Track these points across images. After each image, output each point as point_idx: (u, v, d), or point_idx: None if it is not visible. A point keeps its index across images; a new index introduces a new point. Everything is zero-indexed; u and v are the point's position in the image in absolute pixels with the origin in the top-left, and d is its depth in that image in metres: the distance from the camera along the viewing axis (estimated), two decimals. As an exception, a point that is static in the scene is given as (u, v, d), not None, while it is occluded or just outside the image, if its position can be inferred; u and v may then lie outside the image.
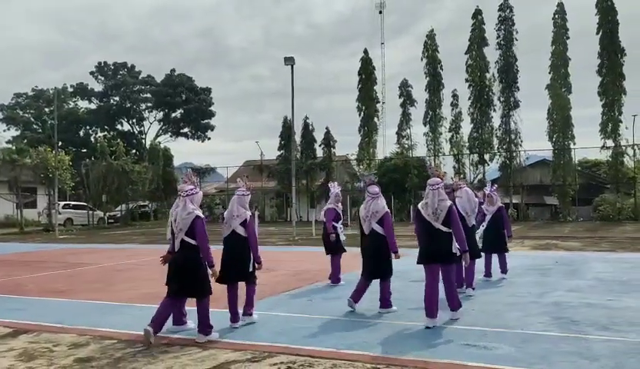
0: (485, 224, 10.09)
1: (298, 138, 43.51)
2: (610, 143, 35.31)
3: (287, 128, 43.49)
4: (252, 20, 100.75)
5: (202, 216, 6.14)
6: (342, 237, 10.13)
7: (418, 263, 6.98)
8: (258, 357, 5.45)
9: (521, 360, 5.12)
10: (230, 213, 6.79)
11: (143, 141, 63.19)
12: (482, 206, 10.14)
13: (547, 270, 11.46)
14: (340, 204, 10.33)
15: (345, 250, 10.21)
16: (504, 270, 10.49)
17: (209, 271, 6.13)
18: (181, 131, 64.24)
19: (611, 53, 34.66)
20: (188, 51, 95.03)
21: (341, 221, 10.31)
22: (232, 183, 41.21)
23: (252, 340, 6.09)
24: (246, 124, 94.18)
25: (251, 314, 6.90)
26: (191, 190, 6.24)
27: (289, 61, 22.96)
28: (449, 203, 6.90)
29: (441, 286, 6.81)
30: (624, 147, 35.36)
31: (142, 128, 64.82)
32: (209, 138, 64.44)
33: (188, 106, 61.58)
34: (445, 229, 6.74)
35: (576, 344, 5.70)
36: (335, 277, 10.08)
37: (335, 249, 10.13)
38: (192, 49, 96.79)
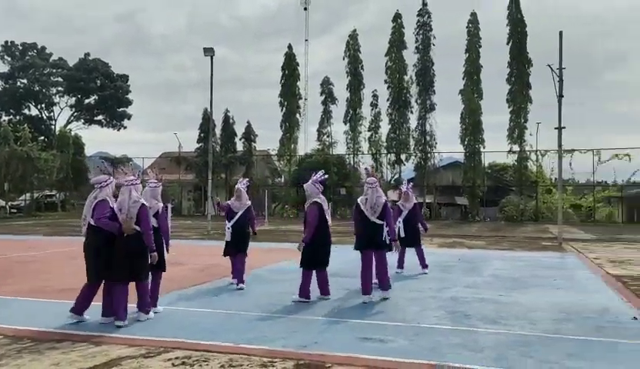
0: (400, 220, 10.44)
1: (218, 131, 42.89)
2: (516, 148, 37.52)
3: (207, 120, 42.57)
4: (176, 7, 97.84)
5: (147, 204, 6.62)
6: (227, 238, 9.51)
7: (355, 249, 8.15)
8: (152, 352, 5.32)
9: (412, 352, 5.33)
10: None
11: (52, 127, 59.78)
12: (399, 203, 10.55)
13: (449, 268, 12.00)
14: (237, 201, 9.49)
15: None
16: (424, 265, 10.89)
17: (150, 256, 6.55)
18: (95, 118, 61.35)
19: (519, 63, 36.80)
20: (106, 36, 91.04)
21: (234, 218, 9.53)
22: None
23: (149, 335, 5.94)
24: (167, 115, 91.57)
25: (147, 312, 6.73)
26: (134, 180, 6.67)
27: (209, 51, 22.57)
28: (384, 199, 7.96)
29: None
30: (528, 153, 37.68)
31: (52, 114, 61.30)
32: (125, 127, 62.03)
33: (102, 92, 58.84)
34: (379, 222, 7.84)
35: (465, 336, 6.01)
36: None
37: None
38: (110, 34, 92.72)
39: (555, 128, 18.93)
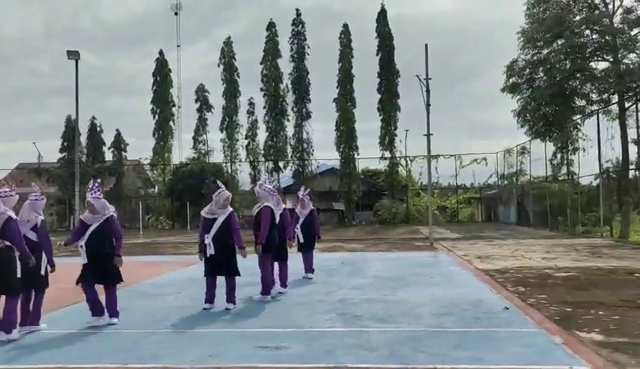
0: (298, 226, 10.45)
1: (84, 140, 40.14)
2: (387, 154, 39.42)
3: (70, 129, 39.82)
4: (30, 9, 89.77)
5: (15, 217, 6.24)
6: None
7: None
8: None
9: (309, 357, 5.31)
10: (21, 218, 6.58)
11: None
12: (296, 209, 10.58)
13: (333, 271, 12.23)
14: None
15: None
16: (310, 269, 10.95)
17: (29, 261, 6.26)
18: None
19: (388, 74, 38.77)
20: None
21: None
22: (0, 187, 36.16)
23: (27, 362, 5.33)
24: (20, 124, 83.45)
25: (38, 324, 6.74)
26: (7, 192, 6.29)
27: (73, 54, 21.09)
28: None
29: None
30: (398, 158, 39.79)
31: None
32: (-26, 136, 55.87)
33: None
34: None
35: (358, 337, 6.12)
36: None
37: None
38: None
39: (424, 135, 20.12)
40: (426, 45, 19.93)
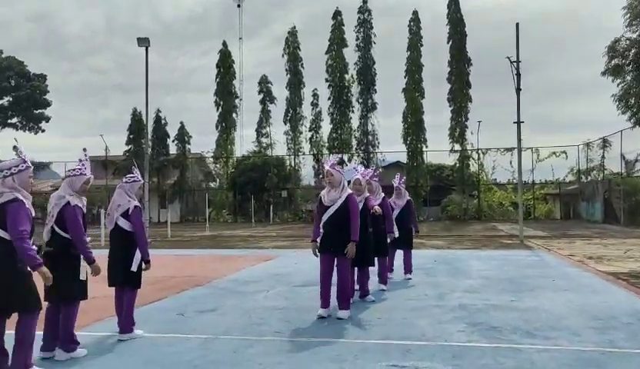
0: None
1: (149, 133, 40.33)
2: (457, 147, 37.53)
3: (137, 121, 40.19)
4: (93, 8, 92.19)
5: (75, 202, 4.86)
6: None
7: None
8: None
9: (470, 385, 4.08)
10: (113, 202, 5.69)
11: (-40, 130, 54.48)
12: (390, 200, 9.28)
13: (430, 270, 10.94)
14: None
15: None
16: (409, 270, 9.73)
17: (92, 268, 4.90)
18: (9, 121, 56.46)
19: (459, 62, 36.85)
20: (19, 37, 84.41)
21: None
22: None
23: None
24: (86, 119, 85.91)
25: (131, 330, 5.57)
26: (76, 170, 5.08)
27: (143, 42, 20.59)
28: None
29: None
30: (469, 151, 37.80)
31: (-41, 116, 55.86)
32: (43, 130, 57.31)
33: (17, 93, 54.22)
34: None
35: (513, 356, 4.85)
36: None
37: None
38: (22, 34, 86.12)
39: (514, 123, 18.47)
40: (517, 24, 18.24)
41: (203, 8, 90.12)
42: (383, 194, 8.60)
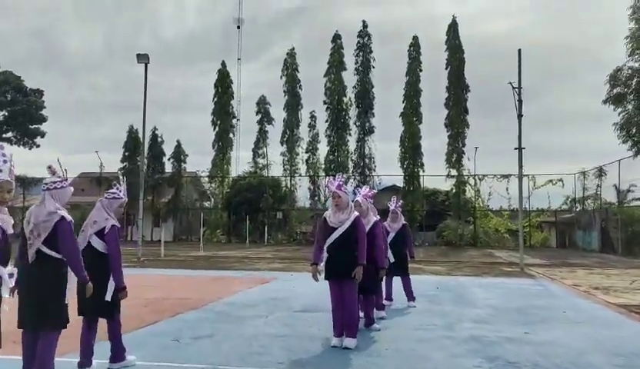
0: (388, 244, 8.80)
1: (145, 151, 39.99)
2: (454, 172, 37.38)
3: (133, 138, 39.94)
4: (92, 26, 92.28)
5: (69, 218, 4.34)
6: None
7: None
8: None
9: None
10: (89, 218, 5.09)
11: (-47, 143, 53.87)
12: (385, 223, 8.89)
13: (433, 297, 10.58)
14: None
15: None
16: (411, 297, 9.36)
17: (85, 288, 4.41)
18: (4, 135, 55.96)
19: (457, 88, 36.92)
20: (15, 52, 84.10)
21: None
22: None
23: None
24: (81, 136, 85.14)
25: (123, 358, 5.11)
26: (58, 183, 4.42)
27: (143, 58, 20.39)
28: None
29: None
30: (466, 177, 37.65)
31: (-47, 129, 55.32)
32: (38, 146, 56.82)
33: (13, 107, 53.83)
34: None
35: (538, 396, 4.48)
36: None
37: None
38: (20, 50, 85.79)
39: (515, 148, 18.28)
40: (519, 50, 18.18)
41: (202, 29, 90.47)
42: (377, 217, 7.70)
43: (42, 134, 56.58)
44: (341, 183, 6.28)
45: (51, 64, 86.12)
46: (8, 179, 3.67)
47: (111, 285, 4.85)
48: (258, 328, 7.24)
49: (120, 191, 5.25)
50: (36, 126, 56.02)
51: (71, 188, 4.52)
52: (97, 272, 4.61)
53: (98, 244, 4.92)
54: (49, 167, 4.47)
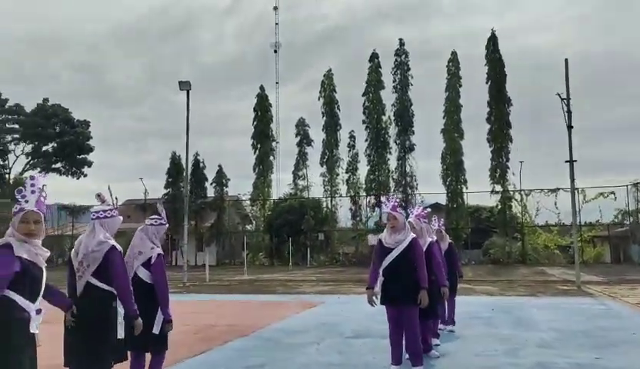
0: None
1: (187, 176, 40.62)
2: (498, 188, 36.46)
3: (175, 165, 40.63)
4: (135, 58, 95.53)
5: (119, 248, 4.07)
6: None
7: None
8: None
9: None
10: (132, 248, 4.76)
11: (7, 175, 56.08)
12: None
13: (489, 320, 10.11)
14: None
15: None
16: (451, 320, 8.91)
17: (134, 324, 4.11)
18: (54, 166, 57.93)
19: (499, 102, 36.18)
20: (64, 85, 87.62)
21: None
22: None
23: None
24: (126, 165, 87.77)
25: None
26: (108, 212, 4.19)
27: (185, 85, 20.71)
28: None
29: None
30: (512, 192, 36.66)
31: (6, 162, 57.61)
32: (85, 175, 58.68)
33: (62, 139, 55.76)
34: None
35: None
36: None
37: None
38: (68, 83, 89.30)
39: (566, 161, 17.60)
40: (566, 60, 17.61)
41: (240, 55, 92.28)
42: (433, 238, 7.29)
43: (89, 164, 58.45)
44: (396, 204, 5.99)
45: (97, 95, 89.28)
46: (34, 210, 3.42)
47: (159, 317, 4.61)
48: (310, 356, 6.98)
49: (164, 217, 5.03)
50: (83, 156, 57.96)
51: (121, 217, 4.32)
52: (144, 304, 4.35)
53: (145, 275, 4.68)
54: (98, 195, 4.28)
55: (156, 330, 4.58)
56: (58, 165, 57.74)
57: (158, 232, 4.90)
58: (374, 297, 5.86)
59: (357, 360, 6.72)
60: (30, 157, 57.13)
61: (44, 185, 3.54)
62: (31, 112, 55.76)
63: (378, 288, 5.88)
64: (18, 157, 57.41)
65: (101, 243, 4.01)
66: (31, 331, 3.24)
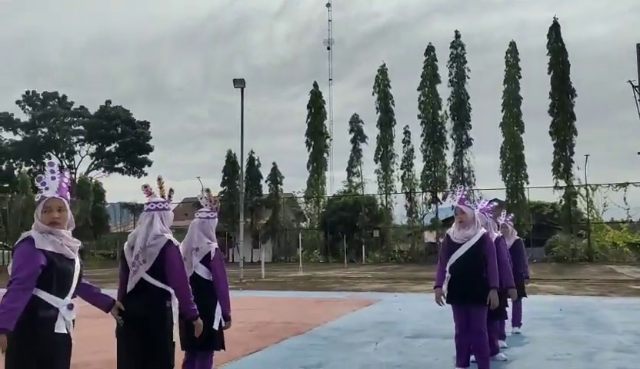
0: None
1: (243, 174, 41.12)
2: (562, 183, 34.92)
3: (231, 163, 41.15)
4: (190, 59, 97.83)
5: (177, 242, 3.80)
6: None
7: None
8: None
9: None
10: (189, 244, 4.52)
11: (73, 175, 58.55)
12: None
13: (559, 320, 9.53)
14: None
15: None
16: (517, 321, 8.40)
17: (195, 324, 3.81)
18: (116, 166, 60.08)
19: (562, 93, 34.61)
20: (124, 88, 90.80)
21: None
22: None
23: None
24: (183, 164, 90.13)
25: None
26: (165, 203, 3.88)
27: (239, 83, 20.82)
28: None
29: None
30: (577, 187, 35.03)
31: (72, 163, 60.16)
32: (146, 174, 60.39)
33: (124, 139, 57.69)
34: None
35: None
36: None
37: None
38: (127, 86, 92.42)
39: (639, 153, 16.47)
40: (638, 45, 16.48)
41: (292, 54, 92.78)
42: (499, 233, 6.82)
43: (149, 163, 60.22)
44: (463, 197, 5.60)
45: (155, 96, 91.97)
46: (55, 196, 3.20)
47: (218, 313, 4.41)
48: (369, 357, 6.71)
49: (211, 208, 4.76)
50: (144, 156, 59.77)
51: (172, 212, 4.03)
52: (203, 302, 4.05)
53: (204, 272, 4.48)
54: (145, 187, 3.96)
55: (216, 325, 4.36)
56: (120, 165, 59.76)
57: (212, 225, 4.68)
58: (441, 297, 5.51)
59: (418, 361, 6.40)
60: (94, 158, 59.48)
61: (63, 170, 3.34)
62: (94, 114, 57.99)
63: (445, 287, 5.53)
64: (83, 157, 59.87)
65: (157, 236, 3.71)
66: (58, 331, 3.00)
